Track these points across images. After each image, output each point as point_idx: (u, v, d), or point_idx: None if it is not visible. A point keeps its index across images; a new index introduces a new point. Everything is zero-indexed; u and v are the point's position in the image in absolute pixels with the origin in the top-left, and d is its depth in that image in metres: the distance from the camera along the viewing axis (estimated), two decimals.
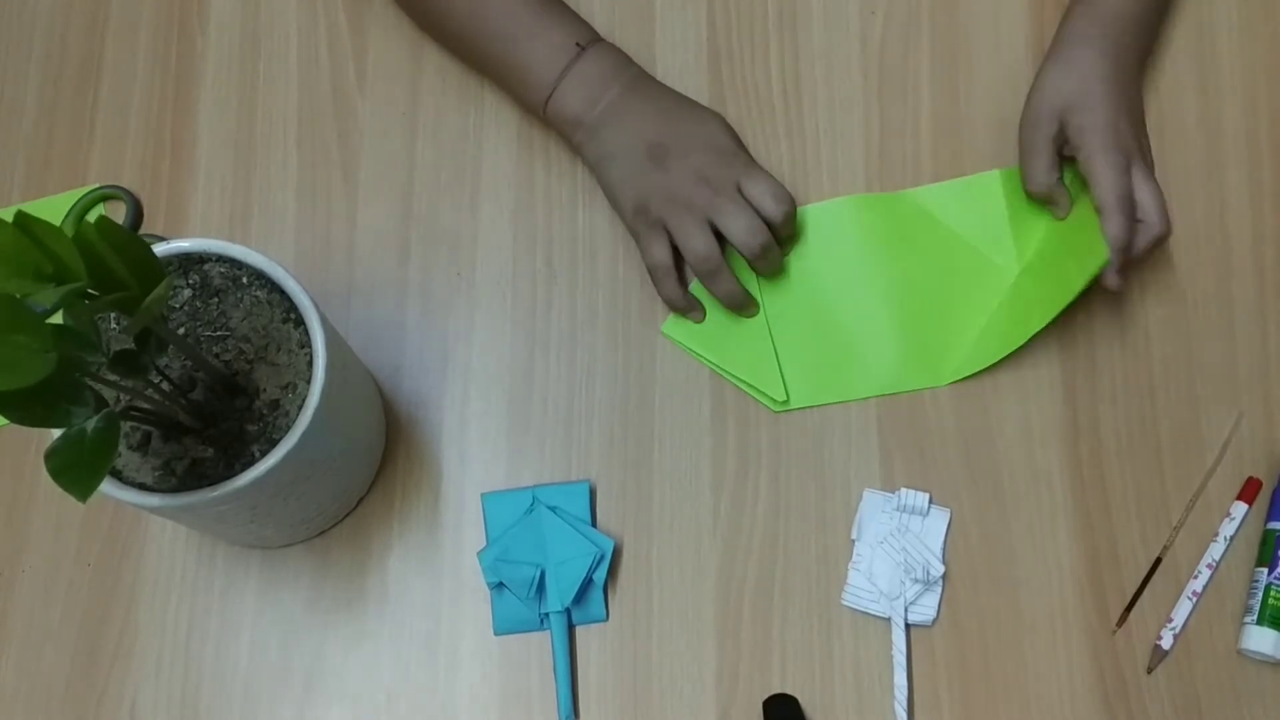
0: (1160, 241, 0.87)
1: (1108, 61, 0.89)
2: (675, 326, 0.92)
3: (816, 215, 0.94)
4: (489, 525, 0.88)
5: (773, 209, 0.88)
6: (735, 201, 0.88)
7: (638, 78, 0.92)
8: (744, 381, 0.91)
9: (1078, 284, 0.86)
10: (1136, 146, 0.89)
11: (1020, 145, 0.91)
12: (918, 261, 0.93)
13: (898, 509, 0.87)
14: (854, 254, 0.93)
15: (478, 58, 0.95)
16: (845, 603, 0.86)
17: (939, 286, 0.92)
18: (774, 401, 0.90)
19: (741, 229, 0.87)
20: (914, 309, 0.92)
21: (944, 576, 0.86)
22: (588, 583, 0.86)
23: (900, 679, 0.84)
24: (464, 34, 0.94)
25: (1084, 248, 0.87)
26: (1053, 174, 0.90)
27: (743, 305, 0.90)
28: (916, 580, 0.85)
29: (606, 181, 0.91)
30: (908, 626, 0.85)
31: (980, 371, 0.90)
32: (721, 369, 0.91)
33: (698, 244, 0.88)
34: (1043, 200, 0.91)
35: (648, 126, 0.90)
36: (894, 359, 0.91)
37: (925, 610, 0.85)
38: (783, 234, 0.90)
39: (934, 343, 0.91)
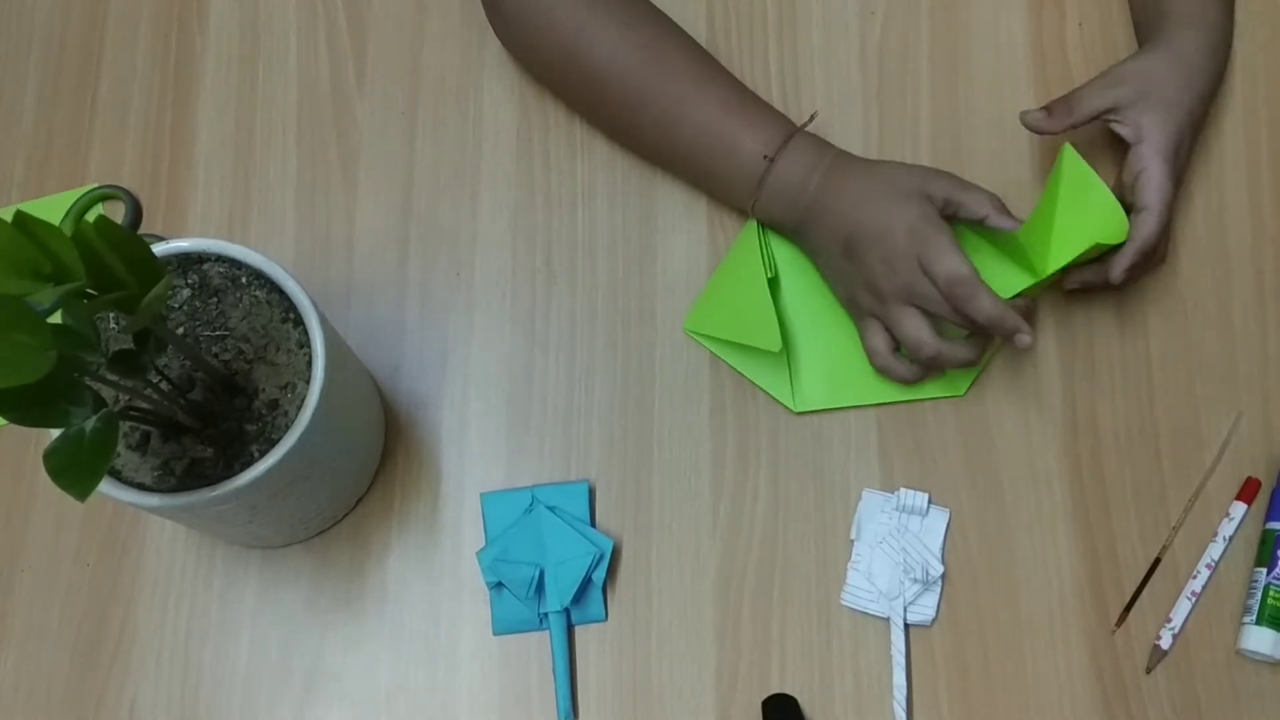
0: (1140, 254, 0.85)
1: (1206, 78, 0.88)
2: (697, 321, 0.92)
3: None
4: (488, 525, 0.88)
5: (945, 291, 0.82)
6: (926, 285, 0.82)
7: (830, 170, 0.87)
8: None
9: (1087, 242, 0.83)
10: (1180, 175, 0.88)
11: (1094, 81, 0.88)
12: None
13: (897, 509, 0.87)
14: None
15: (676, 172, 0.95)
16: (844, 603, 0.86)
17: None
18: (791, 405, 0.90)
19: (945, 312, 0.83)
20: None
21: (943, 576, 0.86)
22: (587, 583, 0.86)
23: (899, 679, 0.84)
24: (659, 152, 0.93)
25: (1102, 215, 0.84)
26: (1085, 113, 0.87)
27: (977, 361, 0.86)
28: (916, 580, 0.85)
29: (822, 275, 0.91)
30: (907, 626, 0.85)
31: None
32: (739, 370, 0.91)
33: (909, 331, 0.84)
34: (1057, 106, 0.87)
35: (838, 220, 0.86)
36: None
37: (924, 610, 0.85)
38: (968, 317, 0.82)
39: None
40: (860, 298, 0.87)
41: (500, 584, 0.86)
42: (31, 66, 1.01)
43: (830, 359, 0.91)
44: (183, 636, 0.88)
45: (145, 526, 0.90)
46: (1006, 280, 0.86)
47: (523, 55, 0.96)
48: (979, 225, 0.85)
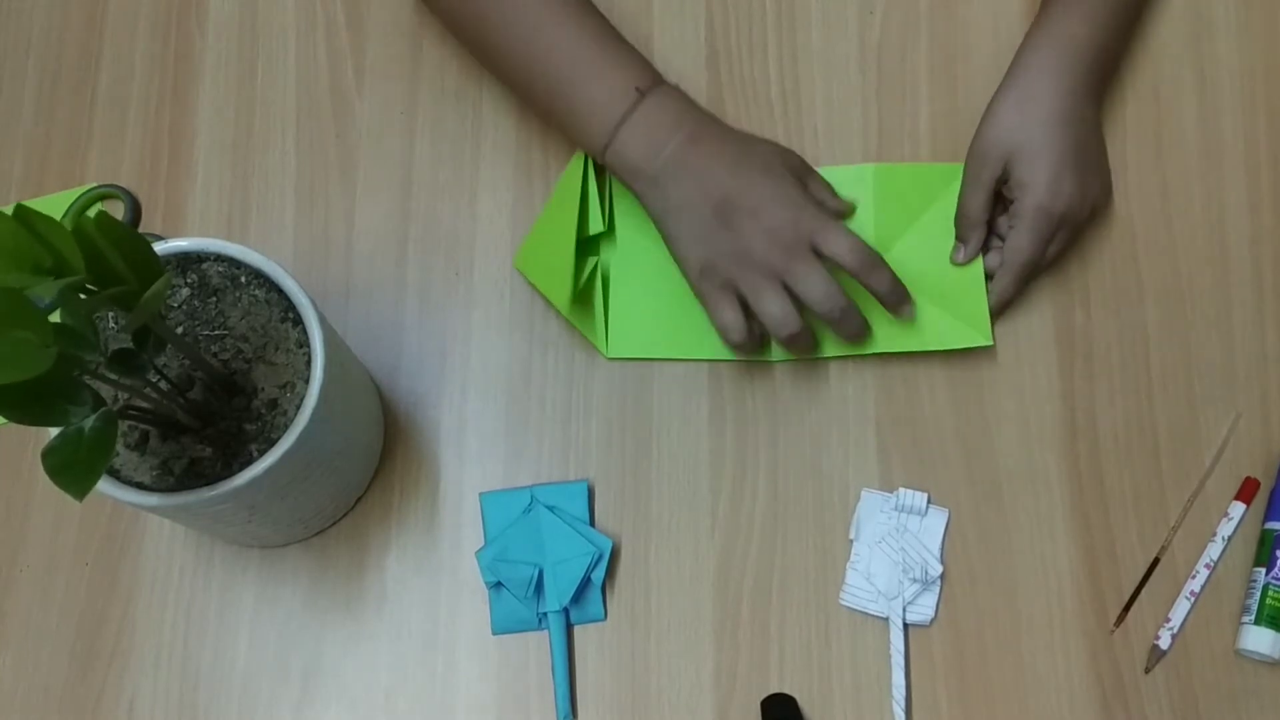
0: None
1: (1064, 99, 0.88)
2: (522, 259, 0.92)
3: None
4: (487, 525, 0.88)
5: (852, 261, 0.84)
6: (809, 263, 0.84)
7: (700, 124, 0.87)
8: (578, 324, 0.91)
9: (943, 343, 0.89)
10: (1074, 209, 0.88)
11: (964, 175, 0.91)
12: None
13: (896, 509, 0.87)
14: None
15: (535, 100, 0.91)
16: (843, 603, 0.86)
17: None
18: (605, 350, 0.91)
19: (819, 294, 0.83)
20: None
21: (942, 576, 0.86)
22: (586, 582, 0.86)
23: (898, 679, 0.84)
24: (520, 75, 0.90)
25: (967, 315, 0.89)
26: (985, 213, 0.90)
27: (812, 351, 0.89)
28: (915, 580, 0.85)
29: (670, 236, 0.87)
30: (906, 626, 0.85)
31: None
32: (562, 312, 0.90)
33: (774, 308, 0.84)
34: (960, 233, 0.91)
35: (713, 181, 0.85)
36: None
37: (923, 610, 0.85)
38: (870, 284, 0.85)
39: None
40: (722, 265, 0.85)
41: (499, 584, 0.86)
42: (30, 66, 1.01)
43: (655, 308, 0.91)
44: (181, 635, 0.88)
45: (144, 526, 0.90)
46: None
47: None
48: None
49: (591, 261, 0.91)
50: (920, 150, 0.96)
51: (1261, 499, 0.87)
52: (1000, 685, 0.85)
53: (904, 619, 0.85)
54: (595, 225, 0.91)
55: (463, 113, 0.98)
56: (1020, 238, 0.88)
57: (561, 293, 0.88)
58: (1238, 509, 0.87)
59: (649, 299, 0.92)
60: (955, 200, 0.91)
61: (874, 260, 0.85)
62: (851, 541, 0.88)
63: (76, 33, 1.01)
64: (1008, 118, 0.89)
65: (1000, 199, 0.90)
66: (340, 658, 0.87)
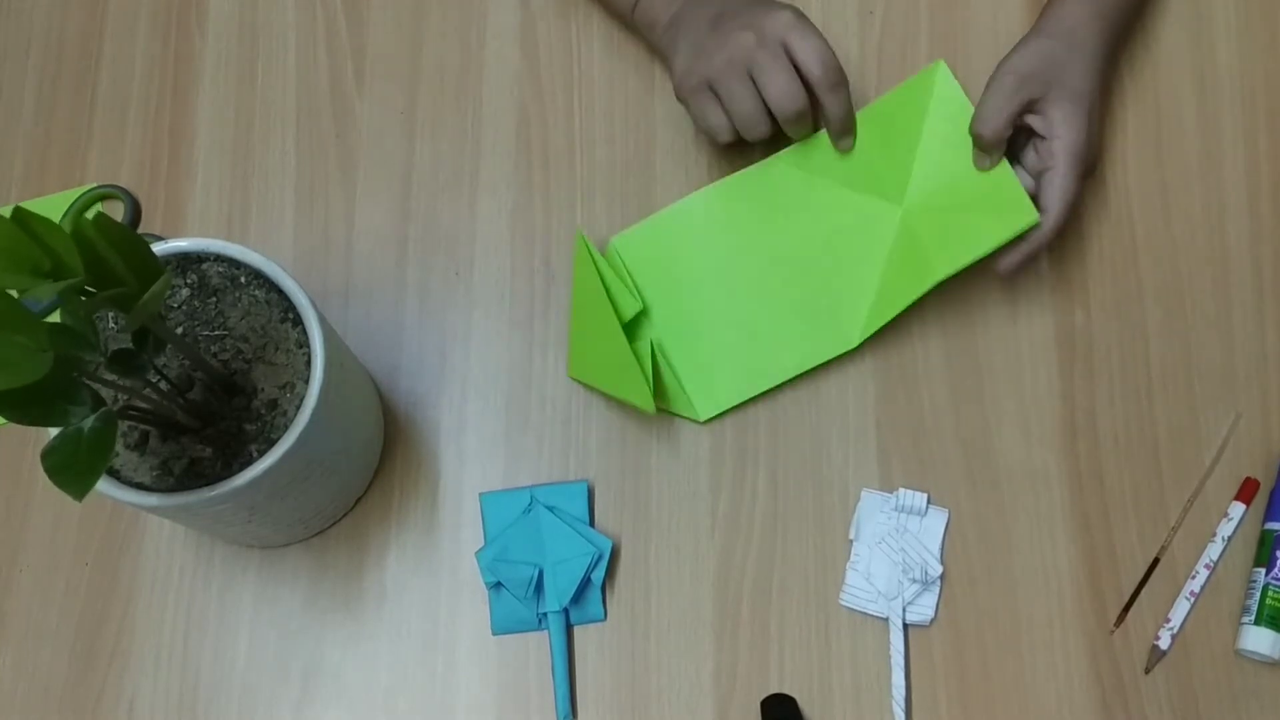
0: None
1: (1104, 57, 0.89)
2: (576, 369, 0.91)
3: (679, 215, 0.93)
4: (487, 525, 0.88)
5: (817, 70, 0.84)
6: (776, 58, 0.85)
7: None
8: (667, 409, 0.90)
9: (996, 238, 0.85)
10: (1095, 157, 0.88)
11: (989, 88, 0.87)
12: (795, 227, 0.92)
13: (896, 509, 0.87)
14: (730, 242, 0.92)
15: None
16: (843, 603, 0.86)
17: (824, 245, 0.91)
18: (696, 416, 0.90)
19: (776, 90, 0.85)
20: (806, 277, 0.91)
21: (942, 577, 0.86)
22: (586, 583, 0.86)
23: (898, 679, 0.84)
24: None
25: (1005, 204, 0.86)
26: (1008, 130, 0.86)
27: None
28: (914, 580, 0.85)
29: (670, 65, 0.90)
30: (906, 626, 0.85)
31: (884, 327, 0.90)
32: (648, 413, 0.88)
33: (744, 106, 0.86)
34: (983, 147, 0.87)
35: (715, 5, 0.89)
36: (802, 335, 0.91)
37: (923, 610, 0.85)
38: (825, 102, 0.86)
39: (836, 305, 0.91)
40: (700, 66, 0.86)
41: (499, 584, 0.86)
42: (30, 66, 1.01)
43: (718, 358, 0.91)
44: (181, 635, 0.88)
45: (144, 526, 0.90)
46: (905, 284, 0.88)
47: None
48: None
49: (648, 344, 0.90)
50: None
51: (1261, 499, 0.87)
52: (1000, 685, 0.85)
53: (904, 619, 0.85)
54: (632, 307, 0.90)
55: (462, 112, 0.98)
56: (1063, 177, 0.85)
57: (642, 395, 0.86)
58: (1238, 509, 0.87)
59: (708, 352, 0.91)
60: (944, 112, 0.88)
61: (838, 78, 0.86)
62: (851, 542, 0.88)
63: (76, 33, 1.01)
64: (1054, 50, 0.87)
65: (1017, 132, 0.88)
66: (340, 658, 0.87)
